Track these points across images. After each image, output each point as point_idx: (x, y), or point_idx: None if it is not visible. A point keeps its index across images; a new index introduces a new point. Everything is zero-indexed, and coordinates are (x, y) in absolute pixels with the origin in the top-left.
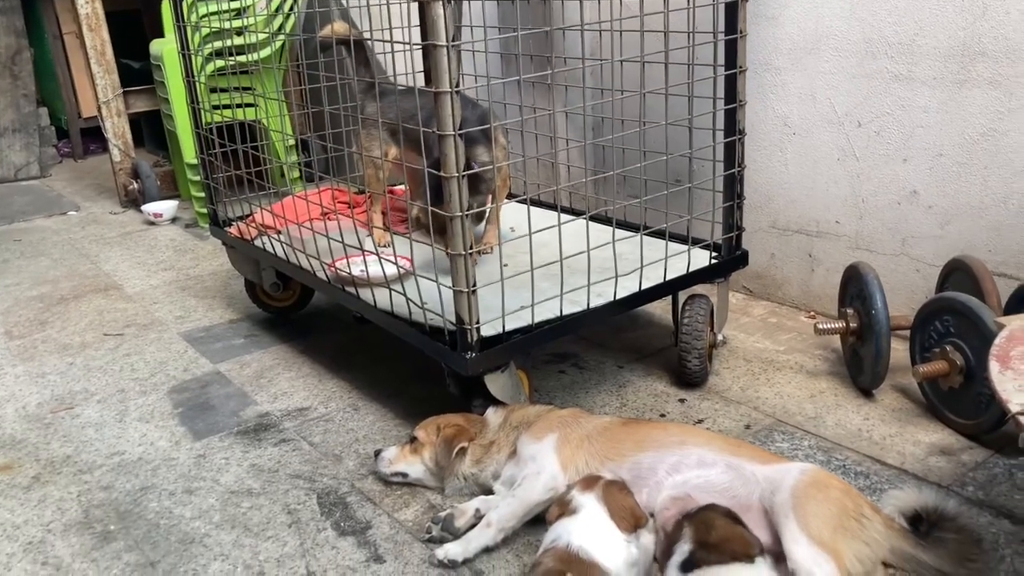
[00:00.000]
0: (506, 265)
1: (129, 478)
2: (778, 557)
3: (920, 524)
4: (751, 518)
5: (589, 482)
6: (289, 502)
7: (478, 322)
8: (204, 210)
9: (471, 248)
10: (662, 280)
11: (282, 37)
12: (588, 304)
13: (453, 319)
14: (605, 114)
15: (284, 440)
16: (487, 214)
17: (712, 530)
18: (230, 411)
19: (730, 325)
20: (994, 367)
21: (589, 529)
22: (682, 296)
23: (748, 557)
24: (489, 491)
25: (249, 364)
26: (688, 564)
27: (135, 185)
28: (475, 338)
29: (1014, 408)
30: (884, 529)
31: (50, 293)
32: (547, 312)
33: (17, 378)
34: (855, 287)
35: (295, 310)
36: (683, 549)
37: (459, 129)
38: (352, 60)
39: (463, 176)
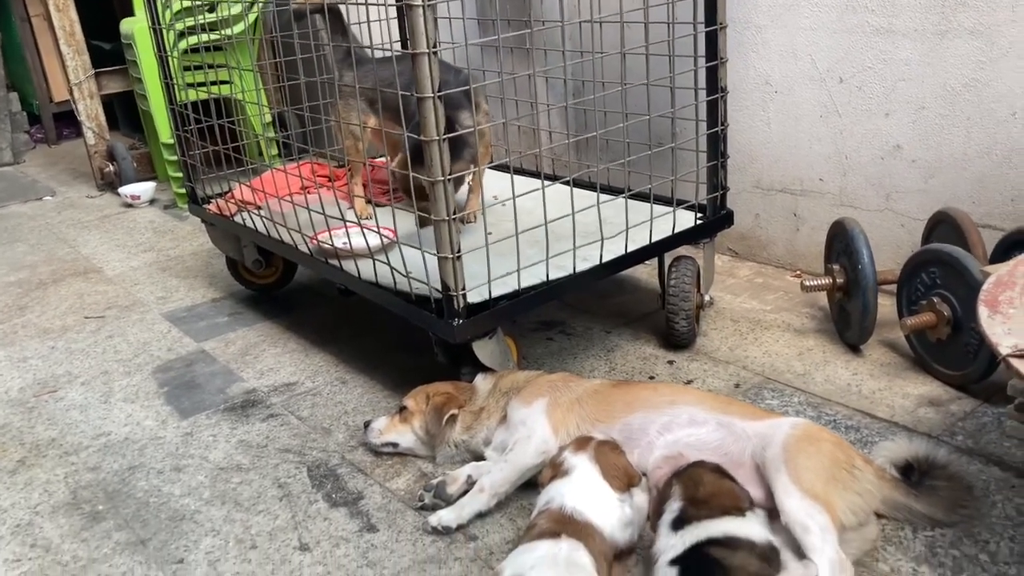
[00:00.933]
0: (490, 233)
1: (116, 458)
2: (771, 512)
3: (911, 474)
4: (743, 474)
5: (581, 443)
6: (279, 476)
7: (464, 289)
8: (182, 191)
9: (454, 214)
10: (648, 242)
11: (256, 8)
12: (574, 268)
13: (438, 287)
14: (585, 77)
15: (272, 415)
16: (469, 183)
17: (701, 486)
18: (216, 389)
19: (716, 287)
20: (983, 312)
21: (582, 490)
22: (668, 258)
23: (738, 511)
24: (480, 458)
25: (234, 342)
26: (679, 521)
27: (111, 168)
28: (461, 305)
29: (1004, 351)
30: (876, 480)
31: (28, 278)
32: (533, 278)
33: None
34: (840, 243)
35: (278, 287)
36: (673, 507)
37: (439, 92)
38: (327, 29)
39: (444, 140)
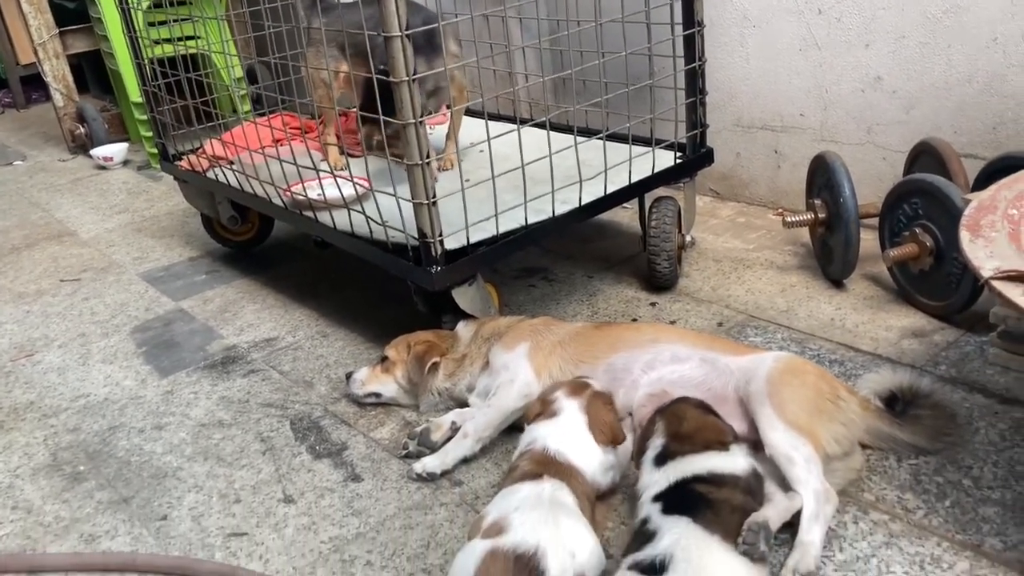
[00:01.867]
0: (467, 180)
1: (96, 419)
2: (756, 446)
3: (895, 404)
4: (727, 409)
5: (577, 388)
6: (262, 430)
7: (441, 235)
8: (155, 151)
9: (428, 157)
10: (627, 183)
11: None
12: (553, 212)
13: (415, 234)
14: (560, 15)
15: (253, 371)
16: (446, 131)
17: (683, 421)
18: (195, 346)
19: (698, 227)
20: (965, 236)
21: (566, 434)
22: (649, 200)
23: (722, 445)
24: (464, 405)
25: (212, 299)
26: (662, 457)
27: (82, 130)
28: (439, 252)
29: (986, 273)
30: (860, 410)
31: (1, 244)
32: (512, 222)
33: None
34: (822, 177)
35: (256, 243)
36: (656, 443)
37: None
38: None
39: (414, 80)
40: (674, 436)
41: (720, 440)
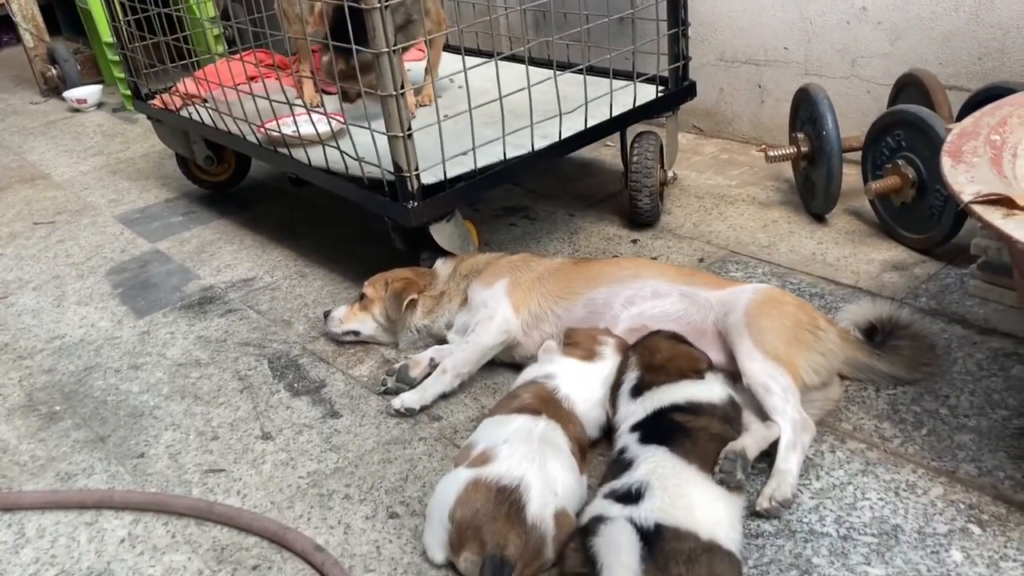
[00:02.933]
0: (445, 116)
1: (72, 360)
2: (734, 377)
3: (875, 335)
4: (706, 341)
5: (623, 346)
6: (239, 369)
7: (417, 169)
8: (129, 92)
9: (402, 88)
10: (608, 117)
11: None
12: (532, 146)
13: (391, 169)
14: None
15: (230, 311)
16: (424, 67)
17: (656, 353)
18: (172, 287)
19: (681, 164)
20: (946, 162)
21: (586, 384)
22: (630, 136)
23: (696, 373)
24: (443, 342)
25: (189, 240)
26: (637, 388)
27: (54, 71)
28: (415, 186)
29: (966, 198)
30: (839, 340)
31: None
32: (490, 157)
33: None
34: (805, 110)
35: (232, 184)
36: (631, 376)
37: None
38: None
39: (387, 7)
40: (648, 368)
41: (694, 368)
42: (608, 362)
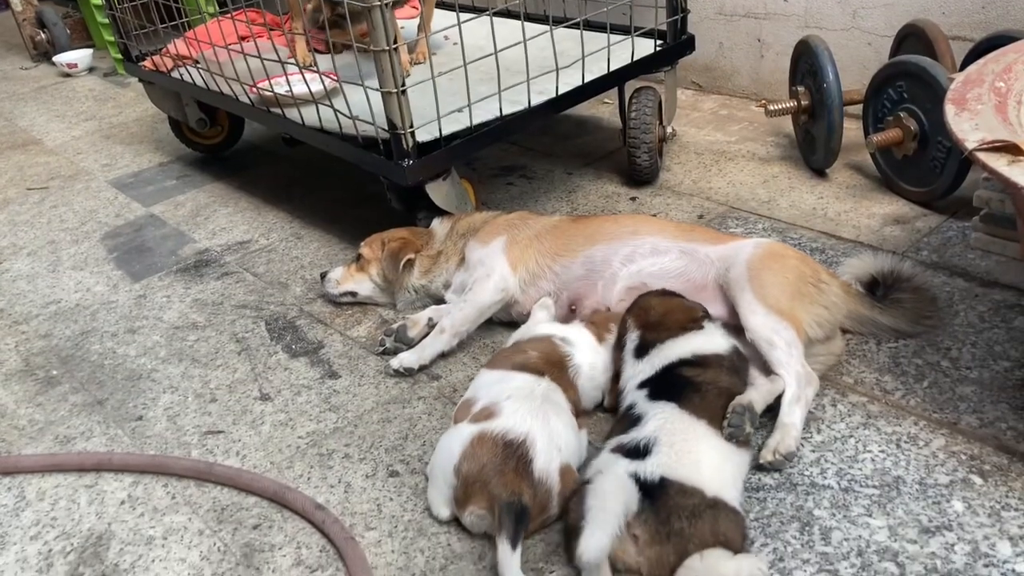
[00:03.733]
0: (440, 73)
1: (68, 324)
2: (738, 331)
3: (876, 289)
4: (707, 298)
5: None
6: (237, 331)
7: (412, 126)
8: (121, 56)
9: (395, 43)
10: (606, 72)
11: None
12: (529, 102)
13: (385, 126)
14: None
15: (227, 273)
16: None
17: (651, 311)
18: (168, 251)
19: (680, 120)
20: (950, 110)
21: (595, 361)
22: (629, 92)
23: (695, 323)
24: (441, 302)
25: (183, 204)
26: (641, 348)
27: (43, 36)
28: (410, 144)
29: (970, 146)
30: (842, 293)
31: None
32: (486, 113)
33: None
34: (806, 63)
35: (226, 147)
36: (632, 337)
37: None
38: None
39: None
40: (646, 327)
41: (692, 319)
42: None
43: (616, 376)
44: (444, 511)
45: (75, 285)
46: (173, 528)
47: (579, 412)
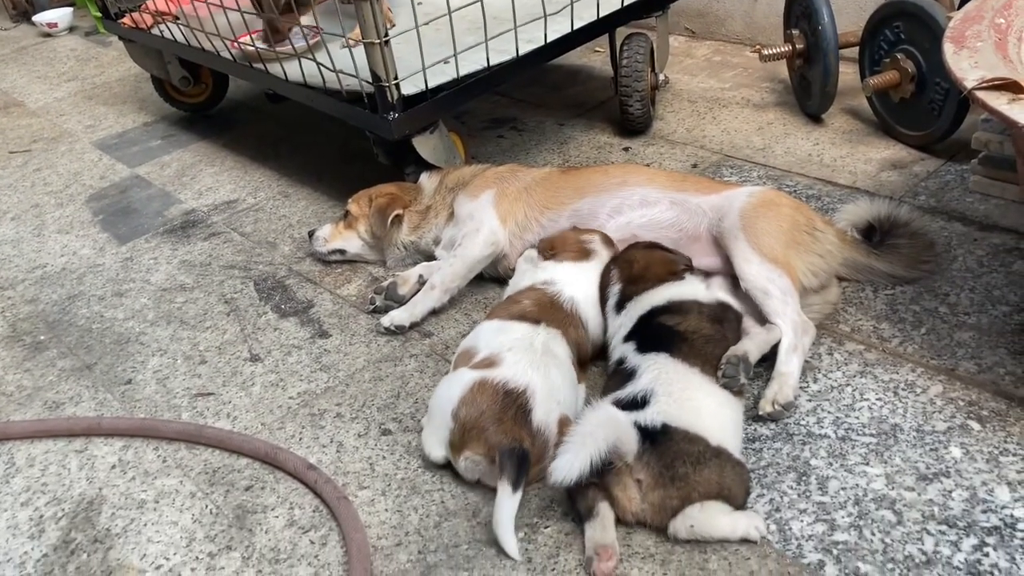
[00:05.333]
0: (424, 22)
1: (55, 289)
2: (734, 281)
3: (873, 235)
4: (700, 248)
5: (609, 241)
6: (225, 292)
7: (396, 78)
8: (100, 14)
9: None
10: (596, 18)
11: None
12: (517, 51)
13: (369, 79)
14: None
15: (214, 234)
16: None
17: (634, 263)
18: (154, 212)
19: (673, 68)
20: (948, 49)
21: (588, 283)
22: (620, 39)
23: (675, 275)
24: (431, 258)
25: (169, 164)
26: (620, 303)
27: None
28: (396, 97)
29: (969, 84)
30: (837, 241)
31: None
32: (473, 64)
33: None
34: (800, 6)
35: (211, 105)
36: (614, 291)
37: None
38: None
39: None
40: (628, 280)
41: (671, 271)
42: (602, 255)
43: (603, 303)
44: (438, 452)
45: (61, 249)
46: (165, 491)
47: (586, 351)
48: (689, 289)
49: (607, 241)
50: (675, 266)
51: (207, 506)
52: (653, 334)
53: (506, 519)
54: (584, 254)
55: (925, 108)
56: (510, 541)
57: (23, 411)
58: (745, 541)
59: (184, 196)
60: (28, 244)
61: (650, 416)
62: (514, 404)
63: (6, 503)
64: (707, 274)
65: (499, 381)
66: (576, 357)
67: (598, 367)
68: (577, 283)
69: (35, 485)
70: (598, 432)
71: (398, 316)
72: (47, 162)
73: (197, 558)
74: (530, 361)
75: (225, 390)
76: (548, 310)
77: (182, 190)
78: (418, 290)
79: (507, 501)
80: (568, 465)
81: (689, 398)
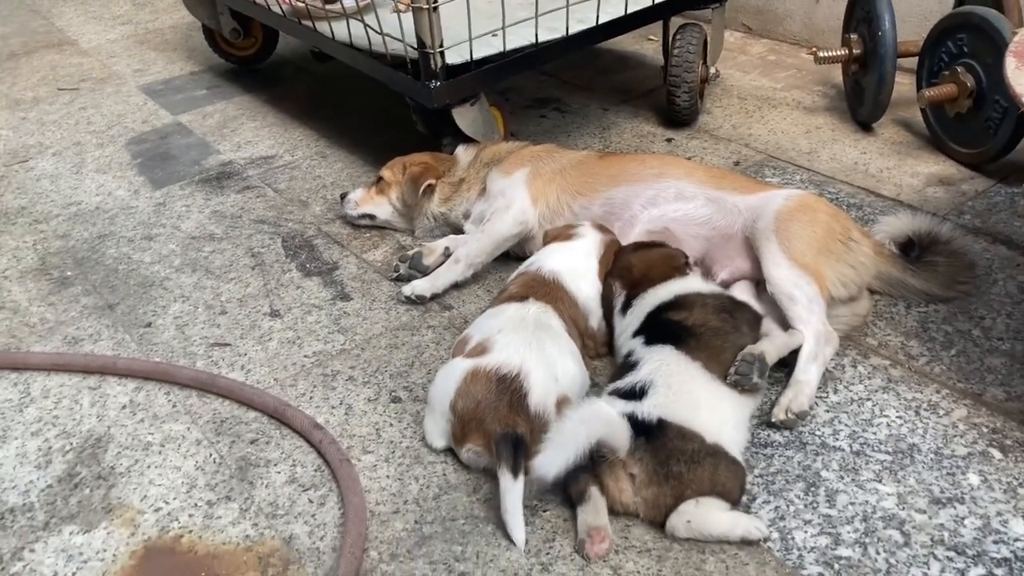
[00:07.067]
0: None
1: (87, 226)
2: (760, 284)
3: (911, 250)
4: (732, 248)
5: (603, 228)
6: (253, 246)
7: (442, 46)
8: None
9: None
10: (650, 3)
11: None
12: (567, 30)
13: (414, 44)
14: None
15: (248, 187)
16: None
17: (632, 269)
18: (191, 160)
19: (727, 64)
20: (1010, 64)
21: (568, 257)
22: (673, 27)
23: (677, 271)
24: (460, 231)
25: (211, 115)
26: (626, 306)
27: None
28: (439, 64)
29: None
30: (872, 254)
31: None
32: (521, 39)
33: None
34: (862, 9)
35: (259, 59)
36: (619, 299)
37: None
38: None
39: None
40: (631, 286)
41: (673, 267)
42: (587, 237)
43: (609, 311)
44: (439, 442)
45: (96, 188)
46: (171, 436)
47: (584, 326)
48: (692, 283)
49: (599, 226)
50: (675, 261)
51: (211, 455)
52: (662, 329)
53: (512, 507)
54: (568, 237)
55: (981, 125)
56: (518, 530)
57: (43, 343)
58: (745, 542)
59: (223, 147)
60: (66, 180)
61: (646, 409)
62: (508, 390)
63: (17, 431)
64: (727, 284)
65: (491, 368)
66: (576, 333)
67: (604, 364)
68: (557, 257)
69: (47, 416)
70: (581, 430)
71: (420, 286)
72: (93, 102)
73: (196, 505)
74: (522, 339)
75: (242, 342)
76: (532, 286)
77: (221, 141)
78: (443, 262)
79: (511, 488)
80: (548, 463)
81: (688, 391)
